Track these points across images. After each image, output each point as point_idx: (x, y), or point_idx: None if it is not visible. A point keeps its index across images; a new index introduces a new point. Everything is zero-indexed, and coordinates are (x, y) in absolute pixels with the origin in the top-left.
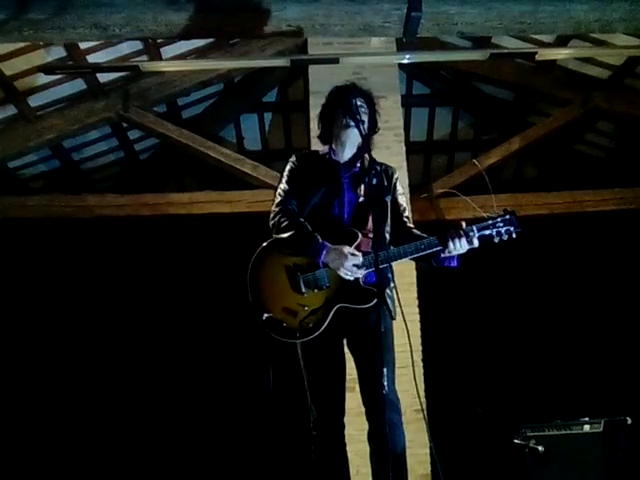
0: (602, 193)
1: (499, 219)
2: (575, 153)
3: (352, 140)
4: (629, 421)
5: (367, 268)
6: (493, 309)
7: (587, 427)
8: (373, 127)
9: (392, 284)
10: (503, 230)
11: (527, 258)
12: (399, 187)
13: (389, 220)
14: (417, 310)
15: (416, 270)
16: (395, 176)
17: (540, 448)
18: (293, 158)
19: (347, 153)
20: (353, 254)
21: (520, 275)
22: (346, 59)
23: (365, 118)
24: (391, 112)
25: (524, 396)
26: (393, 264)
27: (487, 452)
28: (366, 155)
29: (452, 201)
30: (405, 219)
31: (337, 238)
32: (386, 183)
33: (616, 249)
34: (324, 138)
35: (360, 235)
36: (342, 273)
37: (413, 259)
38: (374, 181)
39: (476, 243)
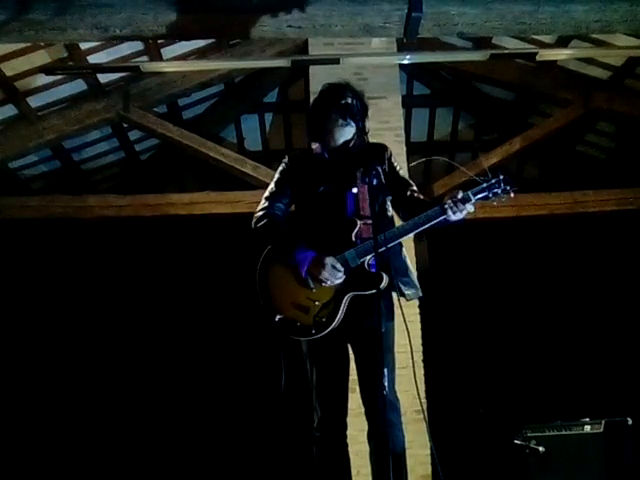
0: (602, 193)
1: (493, 180)
2: (576, 153)
3: (345, 138)
4: (630, 422)
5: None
6: (494, 310)
7: (588, 428)
8: (363, 129)
9: (404, 260)
10: (499, 190)
11: (528, 258)
12: (395, 163)
13: (389, 195)
14: (417, 311)
15: (416, 270)
16: (387, 153)
17: (541, 449)
18: (286, 159)
19: (339, 150)
20: (333, 264)
21: (521, 276)
22: (347, 59)
23: (359, 116)
24: (392, 112)
25: (525, 397)
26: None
27: (488, 453)
28: (354, 144)
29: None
30: (410, 191)
31: (338, 229)
32: (382, 165)
33: (617, 250)
34: (314, 135)
35: (359, 223)
36: (322, 283)
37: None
38: (374, 182)
39: (472, 207)
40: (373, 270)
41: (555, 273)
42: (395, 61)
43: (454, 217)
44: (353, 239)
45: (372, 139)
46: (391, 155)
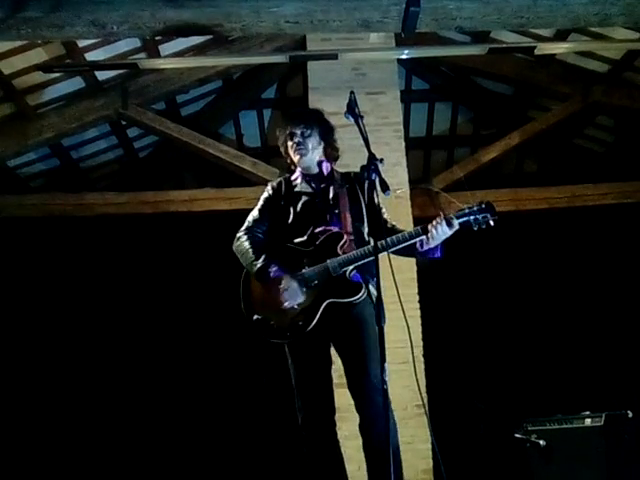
0: (602, 187)
1: (475, 207)
2: (575, 147)
3: (308, 163)
4: (630, 415)
5: (306, 288)
6: (494, 304)
7: (588, 421)
8: (325, 137)
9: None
10: (480, 217)
11: (528, 252)
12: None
13: (366, 221)
14: (417, 306)
15: (416, 265)
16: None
17: (541, 442)
18: (269, 186)
19: (312, 171)
20: (295, 288)
21: (521, 270)
22: (345, 55)
23: (309, 141)
24: (390, 108)
25: (525, 391)
26: (386, 260)
27: (489, 447)
28: (334, 168)
29: (451, 196)
30: (384, 217)
31: (324, 241)
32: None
33: (616, 243)
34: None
35: (345, 236)
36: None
37: (397, 252)
38: (373, 176)
39: (456, 225)
40: (354, 280)
41: (554, 267)
42: (393, 56)
43: (436, 233)
44: (339, 251)
45: (371, 135)
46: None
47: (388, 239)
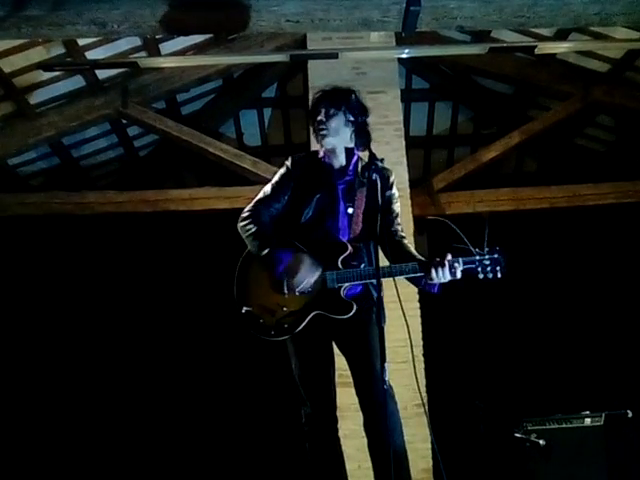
0: (602, 187)
1: (487, 256)
2: (575, 147)
3: (333, 145)
4: (630, 414)
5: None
6: (493, 303)
7: (588, 420)
8: (353, 120)
9: (376, 294)
10: (489, 268)
11: (527, 252)
12: (394, 191)
13: (378, 226)
14: (418, 305)
15: None
16: (391, 179)
17: (541, 442)
18: (289, 161)
19: (337, 157)
20: (311, 263)
21: (520, 269)
22: (345, 54)
23: (333, 122)
24: (391, 107)
25: (525, 390)
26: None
27: (488, 446)
28: (361, 158)
29: (452, 196)
30: (397, 226)
31: (327, 249)
32: (386, 191)
33: (616, 242)
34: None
35: (349, 247)
36: (297, 288)
37: None
38: (374, 176)
39: (459, 275)
40: (347, 298)
41: (554, 266)
42: (394, 55)
43: (436, 276)
44: (339, 264)
45: (371, 134)
46: (394, 183)
47: (391, 267)
